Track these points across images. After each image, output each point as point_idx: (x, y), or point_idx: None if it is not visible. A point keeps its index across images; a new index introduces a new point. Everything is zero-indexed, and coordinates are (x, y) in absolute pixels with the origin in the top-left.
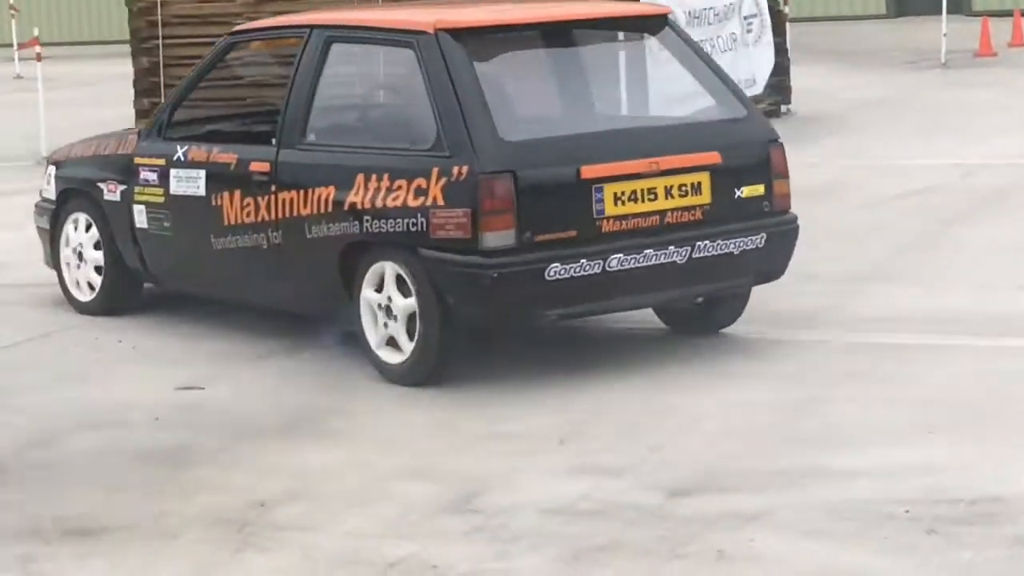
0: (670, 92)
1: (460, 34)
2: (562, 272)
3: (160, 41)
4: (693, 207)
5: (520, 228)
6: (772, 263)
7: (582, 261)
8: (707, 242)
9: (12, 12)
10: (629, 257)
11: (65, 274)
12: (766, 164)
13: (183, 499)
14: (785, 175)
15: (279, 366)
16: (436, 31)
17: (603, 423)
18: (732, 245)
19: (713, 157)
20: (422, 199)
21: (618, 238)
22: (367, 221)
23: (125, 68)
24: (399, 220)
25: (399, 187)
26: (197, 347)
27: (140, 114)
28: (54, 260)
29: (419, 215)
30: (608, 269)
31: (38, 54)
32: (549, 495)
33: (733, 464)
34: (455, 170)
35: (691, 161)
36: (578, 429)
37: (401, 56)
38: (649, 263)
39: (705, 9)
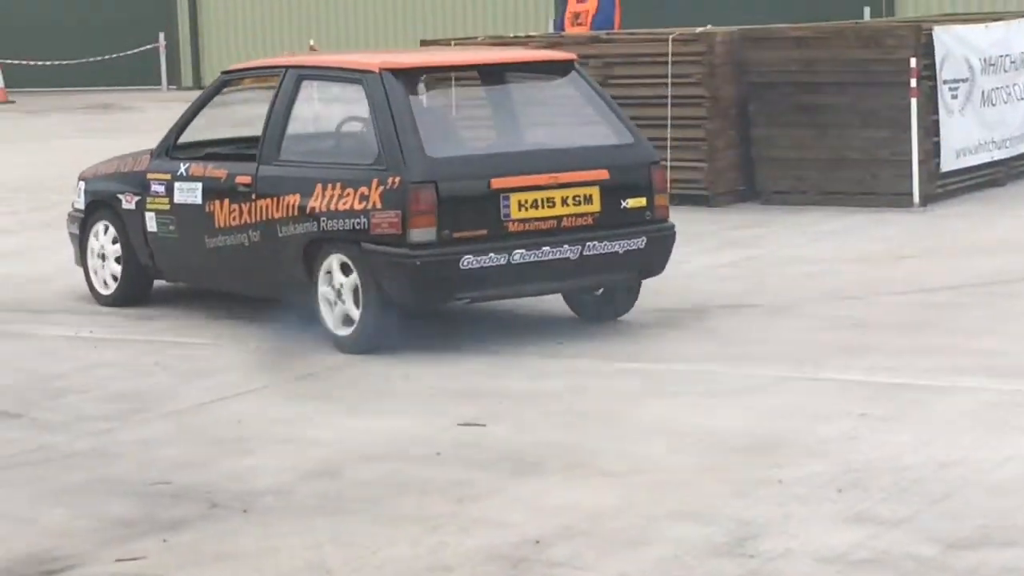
0: (572, 121)
1: (399, 73)
2: (474, 263)
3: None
4: (585, 214)
5: (440, 227)
6: (652, 262)
7: (491, 254)
8: (596, 242)
9: (312, 51)
10: (530, 252)
11: (91, 272)
12: (648, 181)
13: (460, 533)
14: (664, 190)
15: (559, 405)
16: (380, 70)
17: (883, 473)
18: (617, 245)
19: (602, 174)
20: (365, 203)
21: (521, 237)
22: (323, 221)
23: None
24: (347, 220)
25: (348, 194)
26: (480, 384)
27: None
28: (82, 260)
29: (362, 216)
30: (512, 262)
31: None
32: (824, 543)
33: (1016, 518)
34: (390, 180)
35: (583, 177)
36: (856, 478)
37: (353, 90)
38: (547, 258)
39: (1001, 56)
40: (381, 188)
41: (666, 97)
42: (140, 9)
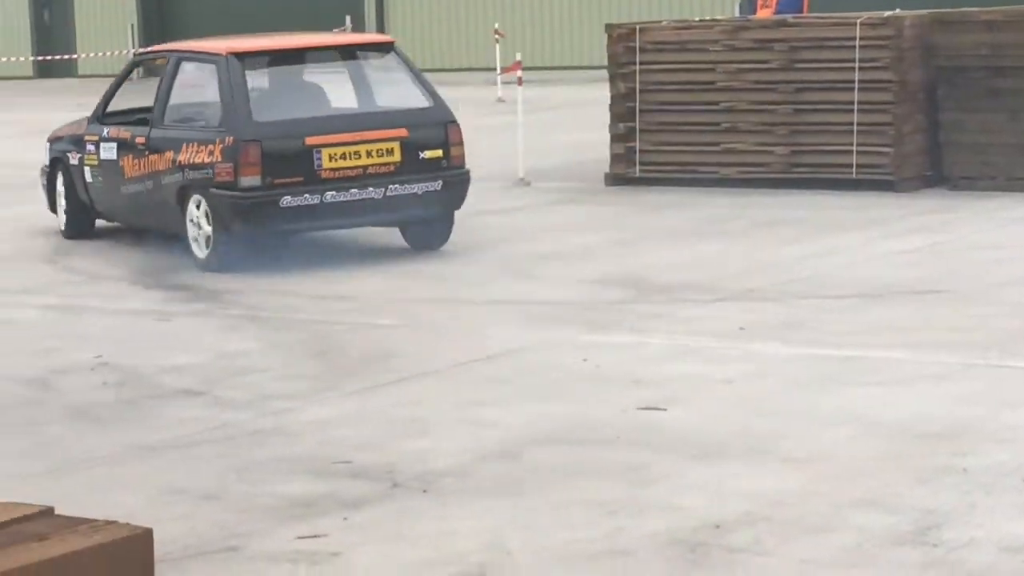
0: (385, 90)
1: (242, 56)
2: (291, 202)
3: (637, 67)
4: (388, 163)
5: (264, 175)
6: (448, 201)
7: (305, 195)
8: (397, 186)
9: (496, 37)
10: (340, 194)
11: (57, 215)
12: (444, 137)
13: (638, 517)
14: (459, 144)
15: (740, 392)
16: (227, 54)
17: None
18: (416, 188)
19: (402, 132)
20: (212, 158)
21: (332, 182)
22: (187, 172)
23: (602, 92)
24: (201, 171)
25: (201, 150)
26: (660, 368)
27: (615, 138)
28: (51, 207)
29: (210, 168)
30: (324, 201)
31: (519, 78)
32: (1009, 532)
33: None
34: (227, 139)
35: (386, 135)
36: None
37: (210, 69)
38: (355, 198)
39: None
40: (221, 146)
41: (853, 82)
42: None
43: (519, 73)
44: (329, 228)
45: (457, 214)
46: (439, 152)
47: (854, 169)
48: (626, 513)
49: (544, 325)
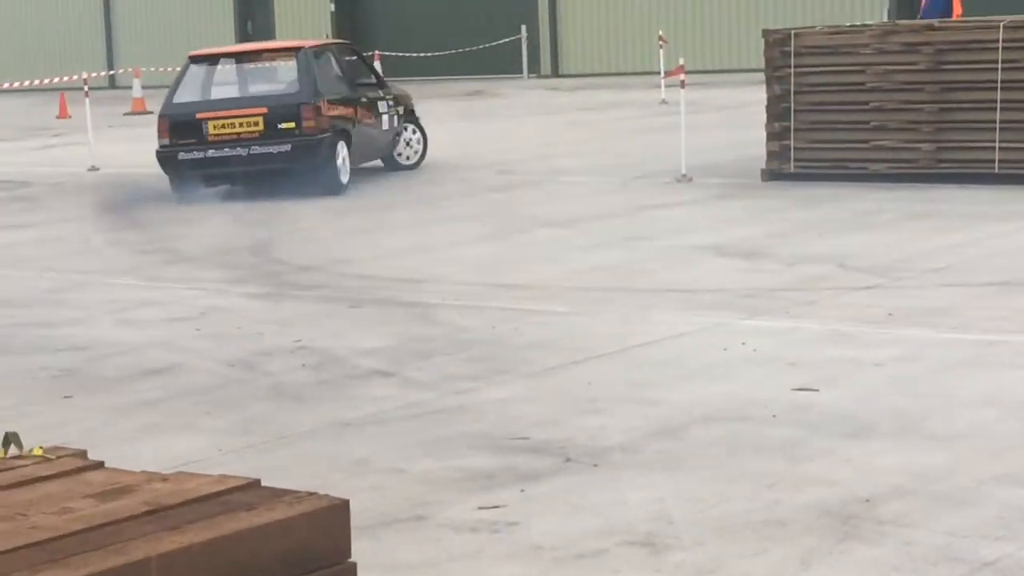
0: (275, 81)
1: (196, 58)
2: (185, 156)
3: (792, 69)
4: (254, 131)
5: (170, 138)
6: (298, 158)
7: (195, 152)
8: (258, 147)
9: (660, 43)
10: (219, 151)
11: None
12: (297, 113)
13: (794, 490)
14: (311, 118)
15: (889, 374)
16: (190, 57)
17: None
18: (272, 148)
19: (263, 110)
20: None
21: (214, 143)
22: None
23: (759, 94)
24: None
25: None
26: (814, 352)
27: (771, 136)
28: None
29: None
30: (207, 155)
31: (682, 81)
32: None
33: None
34: (159, 115)
35: (253, 111)
36: None
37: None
38: (228, 154)
39: None
40: (158, 119)
41: (996, 82)
42: (504, 4)
43: (682, 76)
44: (215, 175)
45: (625, 208)
46: (292, 124)
47: (996, 164)
48: (782, 486)
49: (705, 311)
